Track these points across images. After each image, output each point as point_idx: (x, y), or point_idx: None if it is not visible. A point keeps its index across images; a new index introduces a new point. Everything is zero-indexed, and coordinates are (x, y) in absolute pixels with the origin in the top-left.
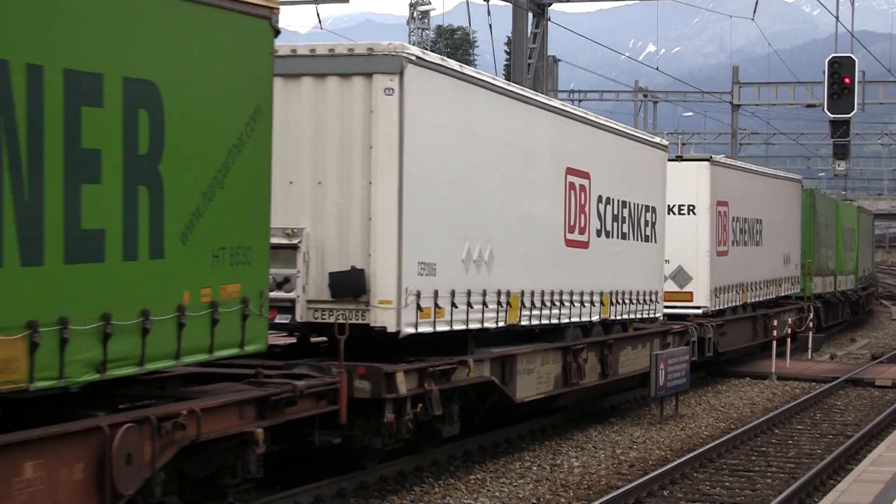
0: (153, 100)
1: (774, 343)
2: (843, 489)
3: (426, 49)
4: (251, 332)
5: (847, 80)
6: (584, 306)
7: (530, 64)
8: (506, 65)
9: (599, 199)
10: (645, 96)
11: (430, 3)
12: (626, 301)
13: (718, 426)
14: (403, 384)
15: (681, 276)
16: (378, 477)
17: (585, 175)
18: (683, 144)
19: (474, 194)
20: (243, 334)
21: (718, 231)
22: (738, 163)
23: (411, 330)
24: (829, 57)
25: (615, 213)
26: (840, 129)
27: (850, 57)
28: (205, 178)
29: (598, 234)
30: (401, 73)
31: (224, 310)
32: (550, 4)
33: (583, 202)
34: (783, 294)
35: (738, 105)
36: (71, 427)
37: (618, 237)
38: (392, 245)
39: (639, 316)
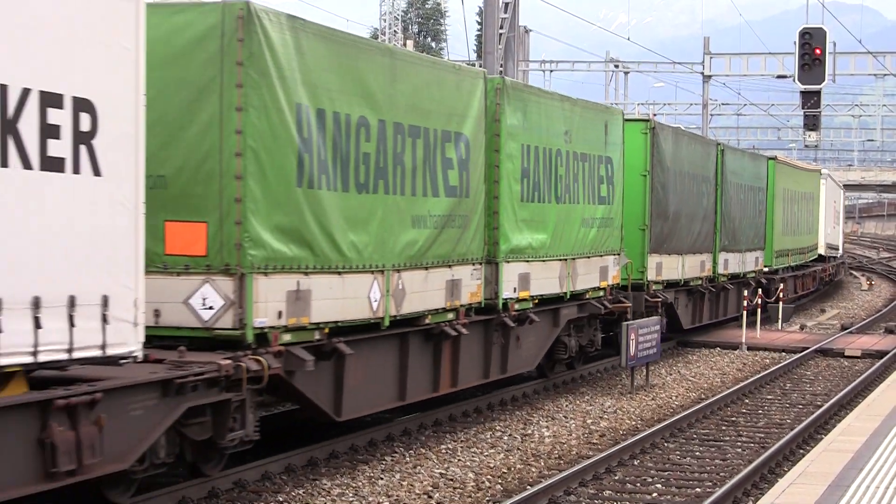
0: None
1: (745, 313)
2: (813, 458)
3: (396, 20)
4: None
5: (818, 52)
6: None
7: (501, 34)
8: (477, 34)
9: (834, 210)
10: (616, 67)
11: None
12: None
13: (689, 396)
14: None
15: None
16: (349, 446)
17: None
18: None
19: (831, 213)
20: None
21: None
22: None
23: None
24: (801, 28)
25: (834, 214)
26: (811, 100)
27: (821, 28)
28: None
29: (832, 222)
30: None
31: None
32: None
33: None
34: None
35: (710, 76)
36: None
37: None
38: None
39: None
